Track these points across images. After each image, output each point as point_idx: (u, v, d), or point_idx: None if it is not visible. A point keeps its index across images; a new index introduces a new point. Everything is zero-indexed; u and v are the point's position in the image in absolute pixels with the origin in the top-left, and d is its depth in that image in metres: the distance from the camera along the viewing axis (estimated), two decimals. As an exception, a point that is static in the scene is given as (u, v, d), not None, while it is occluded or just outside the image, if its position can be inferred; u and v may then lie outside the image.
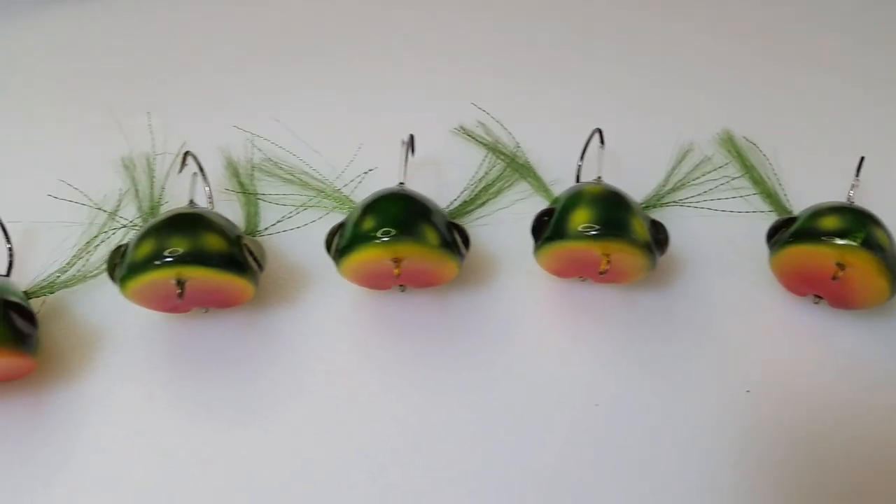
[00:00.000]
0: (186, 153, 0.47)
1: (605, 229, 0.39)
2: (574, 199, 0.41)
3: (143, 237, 0.39)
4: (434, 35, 0.65)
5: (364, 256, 0.39)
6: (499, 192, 0.50)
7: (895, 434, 0.39)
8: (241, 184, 0.50)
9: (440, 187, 0.50)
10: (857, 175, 0.47)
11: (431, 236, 0.39)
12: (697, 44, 0.64)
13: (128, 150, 0.53)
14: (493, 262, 0.47)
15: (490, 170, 0.51)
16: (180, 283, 0.38)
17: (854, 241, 0.38)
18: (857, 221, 0.39)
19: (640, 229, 0.40)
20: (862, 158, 0.47)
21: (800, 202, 0.47)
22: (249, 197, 0.49)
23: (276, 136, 0.53)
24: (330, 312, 0.44)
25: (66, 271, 0.44)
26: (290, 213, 0.48)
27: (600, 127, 0.48)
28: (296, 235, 0.47)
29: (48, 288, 0.43)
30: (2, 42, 0.65)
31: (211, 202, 0.46)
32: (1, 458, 0.38)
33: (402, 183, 0.45)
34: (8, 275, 0.43)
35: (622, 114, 0.56)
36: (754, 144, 0.53)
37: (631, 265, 0.40)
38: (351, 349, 0.43)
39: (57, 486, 0.37)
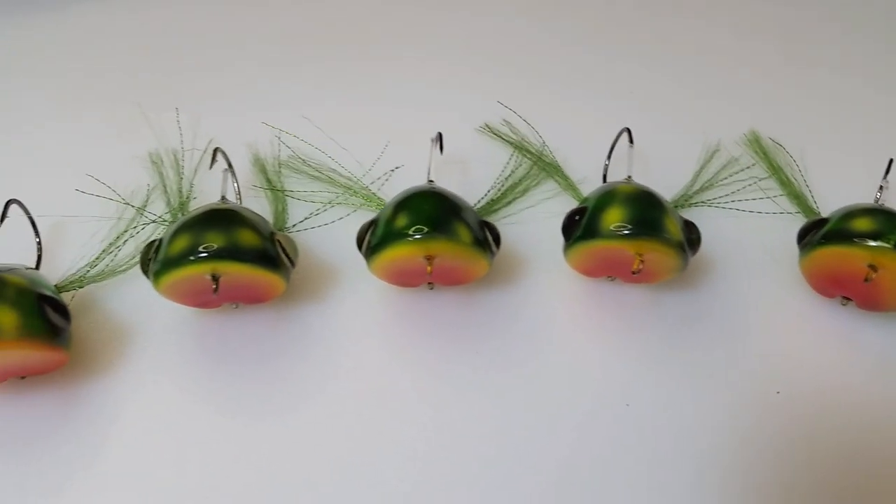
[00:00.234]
0: (216, 149, 0.47)
1: (638, 229, 0.39)
2: (606, 198, 0.41)
3: (177, 232, 0.39)
4: (461, 34, 0.65)
5: (396, 254, 0.39)
6: (525, 190, 0.50)
7: (926, 436, 0.39)
8: (268, 180, 0.50)
9: (466, 186, 0.50)
10: (886, 177, 0.47)
11: (464, 234, 0.39)
12: (722, 44, 0.64)
13: (155, 146, 0.53)
14: (521, 261, 0.47)
15: (516, 168, 0.51)
16: (215, 279, 0.38)
17: (887, 242, 0.38)
18: (890, 223, 0.39)
19: (674, 229, 0.40)
20: (891, 161, 0.47)
21: (827, 204, 0.47)
22: (277, 194, 0.49)
23: (303, 133, 0.53)
24: (358, 309, 0.44)
25: (95, 265, 0.44)
26: (318, 209, 0.48)
27: (626, 127, 0.48)
28: (324, 232, 0.48)
29: (78, 282, 0.43)
30: (32, 37, 0.65)
31: (239, 198, 0.46)
32: (33, 451, 0.38)
33: (431, 181, 0.45)
34: (37, 268, 0.43)
35: (648, 114, 0.56)
36: (781, 146, 0.53)
37: (664, 265, 0.40)
38: (379, 346, 0.43)
39: (88, 479, 0.37)
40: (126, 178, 0.50)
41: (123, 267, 0.45)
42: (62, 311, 0.38)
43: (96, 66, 0.62)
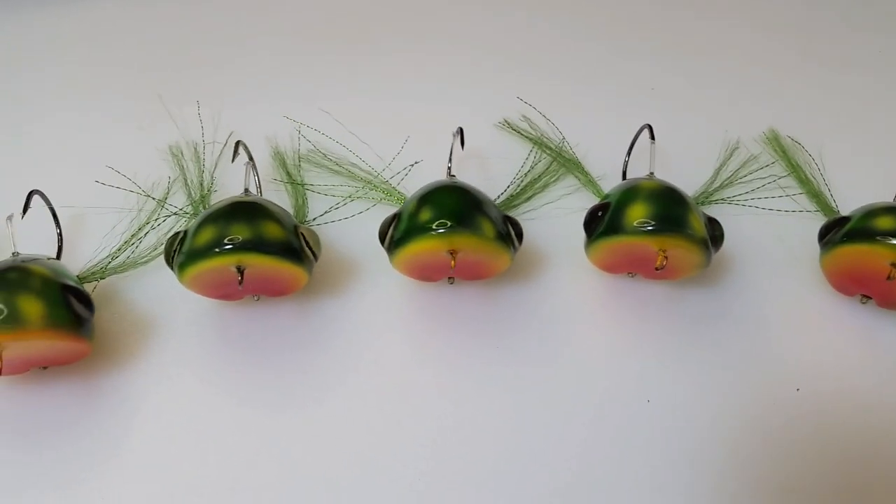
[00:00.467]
0: (238, 142, 0.47)
1: (662, 225, 0.39)
2: (629, 194, 0.41)
3: (202, 224, 0.39)
4: (481, 30, 0.65)
5: (420, 248, 0.39)
6: (545, 186, 0.50)
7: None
8: (288, 174, 0.50)
9: (485, 181, 0.50)
10: (906, 175, 0.47)
11: (488, 228, 0.39)
12: (741, 43, 0.64)
13: (176, 139, 0.53)
14: (541, 257, 0.47)
15: (535, 164, 0.51)
16: (241, 271, 0.38)
17: (910, 241, 0.38)
18: (912, 222, 0.39)
19: (698, 225, 0.40)
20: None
21: (845, 202, 0.47)
22: (297, 187, 0.49)
23: (323, 127, 0.53)
24: (378, 302, 0.44)
25: (116, 257, 0.44)
26: (338, 203, 0.48)
27: (647, 123, 0.48)
28: (343, 226, 0.48)
29: (100, 273, 0.43)
30: (55, 30, 0.65)
31: (259, 192, 0.47)
32: (56, 441, 0.38)
33: (453, 175, 0.45)
34: (58, 259, 0.43)
35: (667, 111, 0.56)
36: (799, 144, 0.53)
37: (687, 262, 0.40)
38: (399, 339, 0.43)
39: (110, 470, 0.38)
40: (147, 171, 0.50)
41: (145, 258, 0.45)
42: (86, 301, 0.38)
43: (118, 58, 0.62)
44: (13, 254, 0.41)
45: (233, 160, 0.48)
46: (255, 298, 0.43)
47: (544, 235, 0.47)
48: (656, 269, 0.39)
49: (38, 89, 0.59)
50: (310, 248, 0.41)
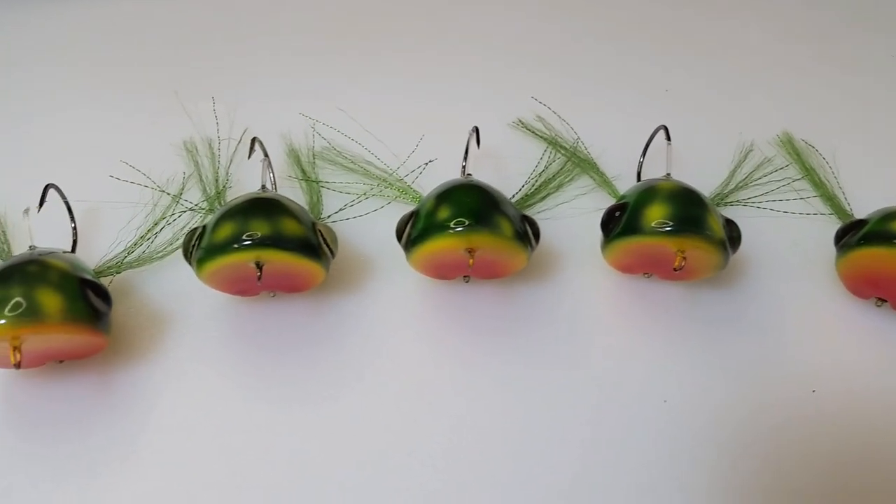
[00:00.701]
0: (254, 139, 0.47)
1: (681, 225, 0.39)
2: (647, 194, 0.41)
3: (221, 220, 0.39)
4: (496, 29, 0.65)
5: (438, 246, 0.39)
6: (559, 186, 0.50)
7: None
8: (303, 171, 0.50)
9: (499, 180, 0.50)
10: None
11: (506, 227, 0.39)
12: (755, 45, 0.64)
13: (190, 134, 0.53)
14: (555, 256, 0.47)
15: (550, 164, 0.51)
16: (259, 267, 0.38)
17: (928, 244, 0.38)
18: (930, 225, 0.39)
19: (716, 226, 0.40)
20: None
21: (860, 206, 0.47)
22: (312, 184, 0.49)
23: (338, 124, 0.53)
24: (394, 300, 0.44)
25: (132, 251, 0.44)
26: (353, 201, 0.48)
27: (663, 124, 0.48)
28: (358, 223, 0.48)
29: (115, 267, 0.44)
30: (71, 25, 0.65)
31: (275, 188, 0.47)
32: (72, 435, 0.38)
33: (469, 174, 0.45)
34: (72, 252, 0.43)
35: (681, 112, 0.56)
36: (813, 147, 0.53)
37: (705, 263, 0.40)
38: (415, 337, 0.43)
39: (127, 464, 0.38)
40: (161, 166, 0.50)
41: (160, 253, 0.45)
42: (104, 295, 0.38)
43: (134, 53, 0.62)
44: (30, 247, 0.41)
45: (249, 157, 0.48)
46: (271, 294, 0.43)
47: (559, 235, 0.47)
48: (675, 269, 0.39)
49: (54, 83, 0.60)
50: (327, 245, 0.41)
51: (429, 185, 0.47)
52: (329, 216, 0.47)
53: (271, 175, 0.46)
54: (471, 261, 0.39)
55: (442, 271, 0.42)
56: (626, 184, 0.49)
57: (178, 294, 0.44)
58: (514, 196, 0.48)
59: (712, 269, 0.41)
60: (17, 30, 0.65)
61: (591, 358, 0.42)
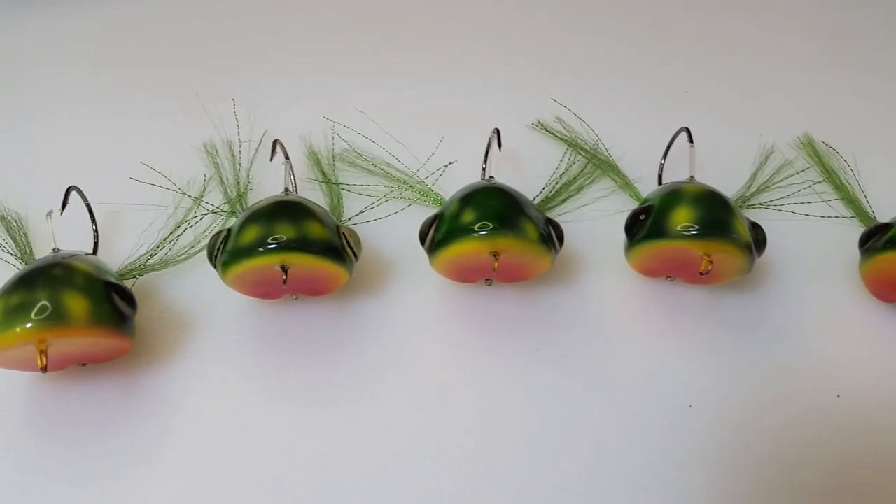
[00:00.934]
0: (275, 141, 0.47)
1: (707, 229, 0.38)
2: (672, 197, 0.41)
3: (246, 223, 0.39)
4: (515, 31, 0.65)
5: (462, 249, 0.39)
6: (580, 188, 0.50)
7: None
8: (323, 173, 0.50)
9: (519, 183, 0.50)
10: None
11: (531, 230, 0.39)
12: (773, 46, 0.64)
13: (210, 136, 0.53)
14: (577, 259, 0.46)
15: (570, 166, 0.51)
16: (285, 270, 0.38)
17: (955, 248, 0.38)
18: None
19: (742, 230, 0.39)
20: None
21: (881, 209, 0.47)
22: (332, 186, 0.49)
23: (357, 126, 0.53)
24: (416, 303, 0.44)
25: (154, 254, 0.44)
26: (373, 203, 0.48)
27: (685, 126, 0.48)
28: (378, 226, 0.47)
29: (138, 270, 0.43)
30: (91, 26, 0.66)
31: (295, 190, 0.46)
32: (97, 438, 0.38)
33: (492, 177, 0.45)
34: (94, 254, 0.43)
35: (700, 114, 0.56)
36: (833, 149, 0.52)
37: (731, 266, 0.40)
38: (437, 340, 0.43)
39: (150, 466, 0.38)
40: (182, 168, 0.50)
41: (182, 256, 0.45)
42: (129, 298, 0.38)
43: (153, 55, 0.62)
44: (53, 250, 0.41)
45: (271, 159, 0.48)
46: (293, 297, 0.43)
47: (580, 238, 0.47)
48: (701, 273, 0.39)
49: (75, 86, 0.60)
50: (351, 248, 0.41)
51: (448, 186, 0.47)
52: (349, 218, 0.47)
53: (293, 177, 0.46)
54: (496, 264, 0.39)
55: (465, 275, 0.42)
56: (646, 186, 0.49)
57: (201, 296, 0.44)
58: (534, 199, 0.48)
59: (738, 273, 0.41)
60: (39, 32, 0.65)
61: (615, 362, 0.42)
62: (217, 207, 0.47)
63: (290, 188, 0.46)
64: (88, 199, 0.45)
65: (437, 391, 0.40)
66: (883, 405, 0.40)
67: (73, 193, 0.44)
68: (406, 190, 0.48)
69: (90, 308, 0.36)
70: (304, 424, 0.39)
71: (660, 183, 0.48)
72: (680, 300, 0.44)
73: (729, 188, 0.49)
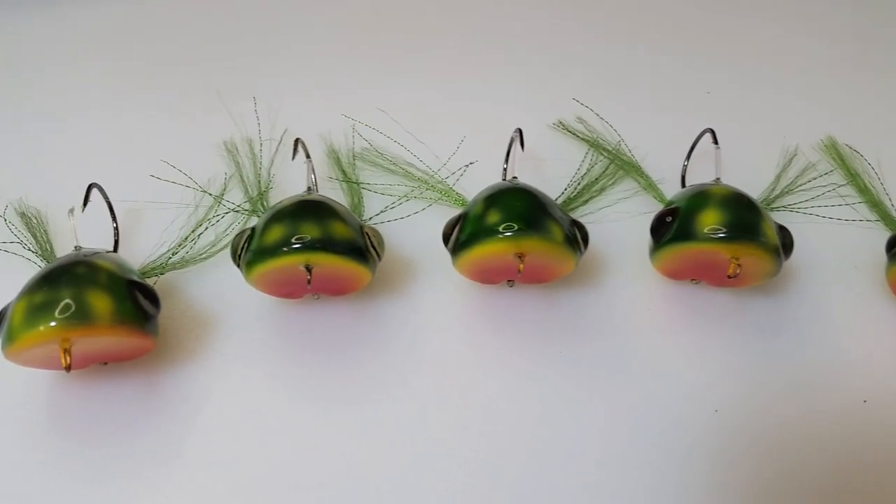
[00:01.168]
0: (297, 140, 0.47)
1: (736, 232, 0.38)
2: (698, 199, 0.41)
3: (270, 222, 0.39)
4: (536, 31, 0.65)
5: (487, 251, 0.39)
6: (602, 189, 0.49)
7: None
8: (343, 172, 0.49)
9: (540, 183, 0.49)
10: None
11: (556, 232, 0.39)
12: (796, 48, 0.63)
13: (230, 134, 0.53)
14: (599, 261, 0.46)
15: (592, 167, 0.51)
16: (309, 270, 0.38)
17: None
18: None
19: (771, 233, 0.39)
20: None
21: (906, 213, 0.47)
22: (353, 186, 0.48)
23: (378, 125, 0.52)
24: (436, 303, 0.44)
25: (176, 252, 0.44)
26: (394, 203, 0.48)
27: (709, 128, 0.48)
28: (399, 225, 0.47)
29: (160, 268, 0.43)
30: (112, 23, 0.65)
31: (316, 189, 0.46)
32: (120, 437, 0.38)
33: (515, 177, 0.45)
34: (115, 252, 0.43)
35: (722, 115, 0.55)
36: (858, 153, 0.52)
37: (758, 270, 0.40)
38: (459, 341, 0.43)
39: (173, 465, 0.38)
40: (202, 166, 0.50)
41: (203, 255, 0.44)
42: (152, 297, 0.38)
43: (173, 53, 0.62)
44: (75, 247, 0.41)
45: (293, 157, 0.47)
46: (315, 297, 0.43)
47: (603, 239, 0.47)
48: (728, 277, 0.38)
49: (95, 82, 0.59)
50: (374, 248, 0.40)
51: (469, 186, 0.47)
52: (370, 218, 0.47)
53: (314, 176, 0.46)
54: (520, 266, 0.39)
55: (488, 276, 0.42)
56: (669, 188, 0.48)
57: (222, 295, 0.44)
58: (556, 200, 0.48)
59: (765, 277, 0.40)
60: (60, 28, 0.65)
61: (639, 366, 0.41)
62: (238, 206, 0.47)
63: (312, 187, 0.46)
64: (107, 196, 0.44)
65: (459, 392, 0.40)
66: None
67: (94, 191, 0.44)
68: (427, 190, 0.48)
69: (114, 307, 0.36)
70: (326, 424, 0.39)
71: (683, 185, 0.48)
72: (704, 303, 0.44)
73: (751, 191, 0.48)
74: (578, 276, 0.45)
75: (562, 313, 0.44)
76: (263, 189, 0.47)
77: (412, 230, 0.47)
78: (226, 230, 0.46)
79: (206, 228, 0.46)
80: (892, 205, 0.48)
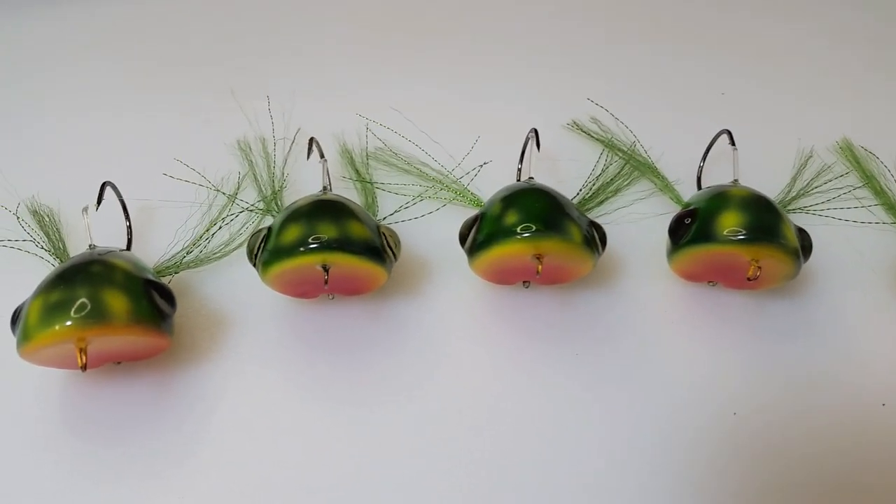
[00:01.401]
0: (312, 139, 0.46)
1: (756, 234, 0.38)
2: (718, 201, 0.40)
3: (287, 222, 0.39)
4: (551, 31, 0.65)
5: (505, 251, 0.38)
6: (617, 190, 0.49)
7: None
8: (357, 171, 0.49)
9: (555, 184, 0.49)
10: None
11: (575, 233, 0.39)
12: (811, 49, 0.63)
13: (244, 133, 0.52)
14: (615, 262, 0.46)
15: (607, 167, 0.50)
16: (326, 270, 0.37)
17: None
18: None
19: (790, 235, 0.39)
20: None
21: (922, 216, 0.47)
22: (366, 185, 0.48)
23: (392, 124, 0.52)
24: (451, 304, 0.44)
25: (190, 251, 0.44)
26: (408, 202, 0.48)
27: (726, 129, 0.47)
28: (413, 225, 0.47)
29: (174, 267, 0.43)
30: (126, 22, 0.65)
31: (330, 189, 0.46)
32: (134, 436, 0.38)
33: (531, 177, 0.45)
34: (128, 250, 0.43)
35: (737, 116, 0.55)
36: (874, 154, 0.52)
37: (777, 272, 0.39)
38: (472, 341, 0.42)
39: (187, 465, 0.37)
40: (216, 165, 0.50)
41: (218, 254, 0.44)
42: (168, 296, 0.38)
43: (187, 52, 0.62)
44: (90, 246, 0.41)
45: (308, 157, 0.47)
46: (330, 297, 0.43)
47: (620, 240, 0.47)
48: (748, 279, 0.38)
49: (108, 81, 0.60)
50: (391, 248, 0.40)
51: (484, 186, 0.47)
52: (384, 218, 0.47)
53: (328, 176, 0.46)
54: (539, 267, 0.38)
55: (504, 277, 0.42)
56: (685, 188, 0.48)
57: (236, 295, 0.44)
58: (571, 200, 0.47)
59: (784, 279, 0.40)
60: (74, 27, 0.65)
61: (656, 368, 0.41)
62: (252, 205, 0.47)
63: (327, 187, 0.45)
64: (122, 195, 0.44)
65: (473, 393, 0.40)
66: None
67: (107, 189, 0.44)
68: (441, 189, 0.48)
69: (130, 306, 0.36)
70: (339, 424, 0.39)
71: (699, 186, 0.48)
72: (721, 305, 0.44)
73: (766, 192, 0.48)
74: (594, 278, 0.45)
75: (577, 315, 0.44)
76: (277, 188, 0.47)
77: (426, 230, 0.47)
78: (240, 230, 0.46)
79: (220, 227, 0.45)
80: (909, 207, 0.48)
